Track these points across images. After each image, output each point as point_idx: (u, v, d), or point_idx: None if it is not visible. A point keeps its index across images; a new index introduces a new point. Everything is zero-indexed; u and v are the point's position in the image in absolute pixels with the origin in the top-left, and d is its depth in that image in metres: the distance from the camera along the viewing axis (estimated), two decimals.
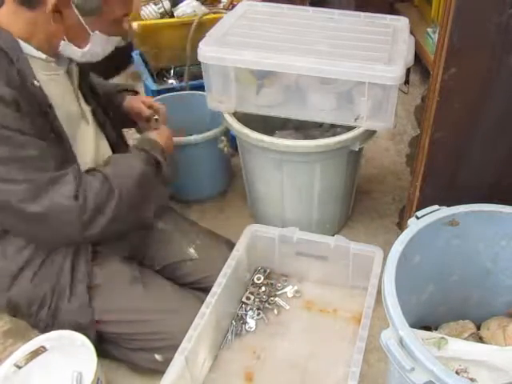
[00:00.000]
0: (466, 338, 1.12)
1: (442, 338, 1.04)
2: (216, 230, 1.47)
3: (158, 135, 1.25)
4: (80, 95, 1.19)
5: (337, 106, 1.40)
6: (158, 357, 1.17)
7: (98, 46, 1.07)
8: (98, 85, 1.33)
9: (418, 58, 2.16)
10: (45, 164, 0.99)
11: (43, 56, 1.04)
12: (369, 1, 2.15)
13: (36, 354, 1.13)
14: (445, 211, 1.03)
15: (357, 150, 1.39)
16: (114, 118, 1.33)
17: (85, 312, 1.15)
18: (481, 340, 1.14)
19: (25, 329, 1.27)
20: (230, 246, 1.37)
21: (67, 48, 1.05)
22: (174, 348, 1.07)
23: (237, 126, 1.40)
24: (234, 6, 1.71)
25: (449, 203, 1.04)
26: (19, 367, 1.11)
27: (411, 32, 1.47)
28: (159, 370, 1.10)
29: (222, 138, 1.64)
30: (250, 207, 1.73)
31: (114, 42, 1.11)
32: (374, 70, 1.23)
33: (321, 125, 1.67)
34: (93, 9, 1.00)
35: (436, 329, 1.18)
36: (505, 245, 1.08)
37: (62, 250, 1.15)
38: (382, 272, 1.15)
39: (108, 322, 1.18)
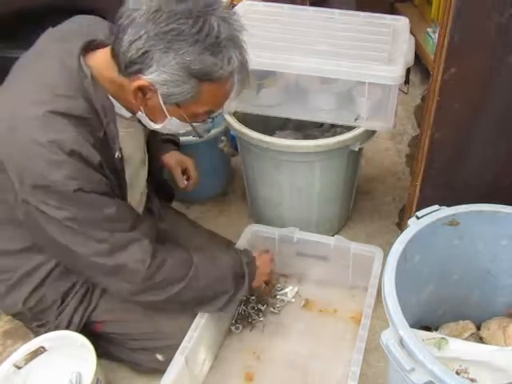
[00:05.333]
0: (466, 338, 1.12)
1: (443, 338, 1.04)
2: (216, 230, 1.47)
3: (263, 265, 1.24)
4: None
5: (337, 106, 1.40)
6: (158, 356, 1.17)
7: (173, 128, 1.02)
8: None
9: (418, 57, 2.16)
10: (122, 224, 1.00)
11: (128, 115, 1.01)
12: (369, 1, 2.15)
13: (36, 354, 1.13)
14: (445, 211, 1.03)
15: (357, 150, 1.39)
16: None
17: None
18: (481, 340, 1.14)
19: (25, 329, 1.27)
20: (231, 246, 1.37)
21: (142, 118, 1.01)
22: (175, 348, 1.08)
23: (237, 126, 1.40)
24: (234, 6, 1.71)
25: (449, 203, 1.04)
26: (19, 367, 1.11)
27: (411, 32, 1.47)
28: (159, 370, 1.10)
29: (222, 137, 1.64)
30: (250, 207, 1.73)
31: (189, 127, 1.04)
32: (374, 69, 1.23)
33: (321, 125, 1.67)
34: (176, 102, 0.93)
35: (436, 329, 1.18)
36: (505, 245, 1.07)
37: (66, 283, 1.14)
38: (382, 272, 1.15)
39: (108, 322, 1.18)
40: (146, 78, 0.88)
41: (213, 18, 0.86)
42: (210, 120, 1.03)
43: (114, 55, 0.90)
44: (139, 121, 1.05)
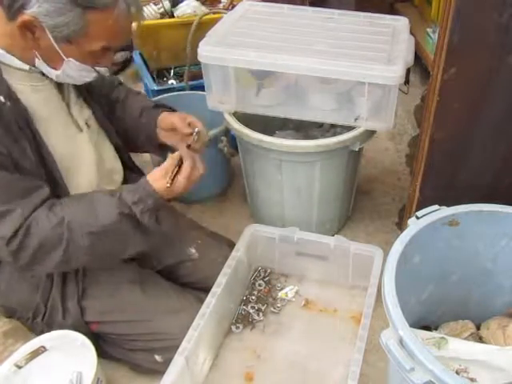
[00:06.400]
0: (465, 338, 1.12)
1: (442, 337, 1.04)
2: (216, 230, 1.47)
3: (164, 185, 1.03)
4: (73, 101, 1.12)
5: (337, 106, 1.40)
6: (158, 357, 1.17)
7: (74, 72, 0.99)
8: (132, 97, 1.29)
9: (418, 57, 2.16)
10: None
11: (26, 67, 0.97)
12: (369, 1, 2.15)
13: (36, 353, 1.13)
14: (445, 211, 1.03)
15: (357, 150, 1.39)
16: (139, 140, 1.28)
17: (78, 326, 1.16)
18: (481, 340, 1.14)
19: (25, 329, 1.27)
20: (231, 245, 1.37)
21: (42, 67, 0.98)
22: (174, 348, 1.07)
23: (237, 126, 1.40)
24: (233, 6, 1.71)
25: (449, 203, 1.04)
26: (19, 367, 1.11)
27: (411, 32, 1.47)
28: (159, 371, 1.10)
29: (222, 137, 1.64)
30: (250, 207, 1.73)
31: (93, 72, 1.01)
32: (374, 69, 1.23)
33: (321, 125, 1.67)
34: (66, 36, 0.90)
35: (436, 329, 1.18)
36: (505, 245, 1.08)
37: None
38: (382, 272, 1.15)
39: (108, 322, 1.18)
40: (28, 12, 0.86)
41: None
42: (112, 56, 1.01)
43: (1, 2, 0.88)
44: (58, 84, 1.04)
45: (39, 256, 0.98)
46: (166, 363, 1.06)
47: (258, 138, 1.35)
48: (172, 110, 1.30)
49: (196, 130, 1.16)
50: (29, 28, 0.89)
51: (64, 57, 0.95)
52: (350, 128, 1.39)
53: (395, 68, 1.23)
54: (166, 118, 1.23)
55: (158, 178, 1.05)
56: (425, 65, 2.23)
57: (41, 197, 0.98)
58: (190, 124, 1.19)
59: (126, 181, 1.30)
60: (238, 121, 1.42)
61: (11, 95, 0.95)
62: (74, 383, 1.13)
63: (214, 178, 1.81)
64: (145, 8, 1.94)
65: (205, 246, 1.34)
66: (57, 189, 1.04)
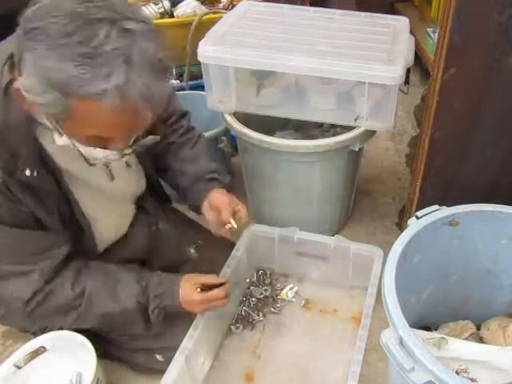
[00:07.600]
0: (466, 338, 1.12)
1: (442, 337, 1.04)
2: None
3: (189, 294, 1.06)
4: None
5: (337, 106, 1.40)
6: (159, 356, 1.17)
7: (85, 150, 0.87)
8: (186, 159, 1.23)
9: (418, 58, 2.16)
10: (14, 255, 0.94)
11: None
12: (369, 1, 2.15)
13: (36, 354, 1.13)
14: (445, 211, 1.03)
15: (357, 150, 1.39)
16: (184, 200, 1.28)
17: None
18: (481, 340, 1.14)
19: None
20: (230, 245, 1.37)
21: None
22: (174, 348, 1.07)
23: (237, 126, 1.40)
24: (233, 6, 1.71)
25: (449, 203, 1.04)
26: (19, 367, 1.11)
27: (411, 32, 1.47)
28: (159, 370, 1.10)
29: (222, 138, 1.64)
30: (250, 207, 1.73)
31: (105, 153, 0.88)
32: (374, 70, 1.23)
33: (321, 125, 1.67)
34: (51, 115, 0.80)
35: (436, 329, 1.18)
36: (505, 245, 1.07)
37: None
38: (381, 272, 1.15)
39: None
40: (19, 80, 0.77)
41: (105, 25, 0.71)
42: (114, 152, 0.87)
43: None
44: None
45: (51, 316, 1.03)
46: (167, 362, 1.06)
47: (257, 137, 1.35)
48: (224, 180, 1.25)
49: (229, 226, 1.13)
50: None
51: (62, 132, 0.84)
52: (350, 128, 1.39)
53: (395, 68, 1.23)
54: (215, 199, 1.18)
55: (189, 280, 1.09)
56: (425, 65, 2.23)
57: (60, 255, 0.99)
58: (234, 212, 1.15)
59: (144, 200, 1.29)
60: (238, 121, 1.42)
61: (43, 160, 0.91)
62: (74, 383, 1.13)
63: None
64: (144, 8, 1.94)
65: (205, 246, 1.34)
66: (83, 237, 1.06)
